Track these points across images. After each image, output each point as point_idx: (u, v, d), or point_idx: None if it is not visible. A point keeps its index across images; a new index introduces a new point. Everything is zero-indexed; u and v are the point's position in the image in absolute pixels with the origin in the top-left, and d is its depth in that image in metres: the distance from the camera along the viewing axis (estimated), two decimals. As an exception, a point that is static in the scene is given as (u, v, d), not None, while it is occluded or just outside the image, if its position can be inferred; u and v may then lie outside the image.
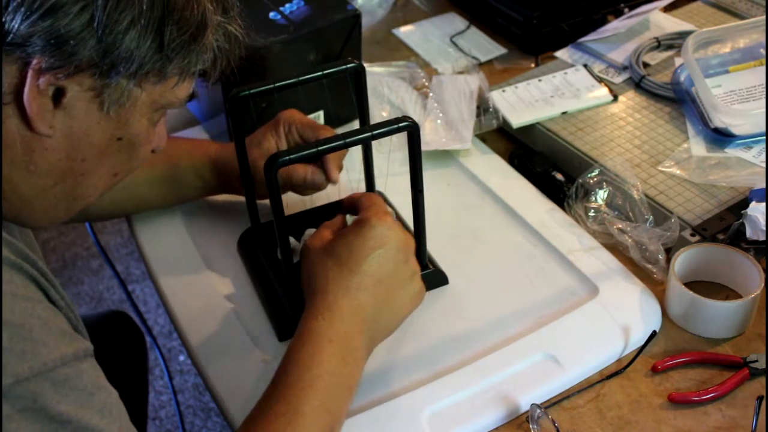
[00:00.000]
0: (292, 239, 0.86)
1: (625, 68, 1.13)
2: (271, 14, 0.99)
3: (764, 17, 1.09)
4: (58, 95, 0.56)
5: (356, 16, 1.00)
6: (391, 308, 0.73)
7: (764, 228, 0.82)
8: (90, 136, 0.59)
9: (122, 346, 1.15)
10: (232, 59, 0.64)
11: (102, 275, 2.18)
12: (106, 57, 0.55)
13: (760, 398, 0.72)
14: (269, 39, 0.95)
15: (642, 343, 0.79)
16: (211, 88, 1.00)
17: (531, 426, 0.72)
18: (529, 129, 1.05)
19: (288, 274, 0.78)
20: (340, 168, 0.89)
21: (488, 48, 1.27)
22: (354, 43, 1.02)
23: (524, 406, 0.74)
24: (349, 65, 0.83)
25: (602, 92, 1.08)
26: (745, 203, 0.87)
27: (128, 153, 0.63)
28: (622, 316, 0.81)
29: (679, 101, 1.05)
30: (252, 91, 0.80)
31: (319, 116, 1.04)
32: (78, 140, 0.59)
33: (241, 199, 0.90)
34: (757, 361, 0.77)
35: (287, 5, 1.00)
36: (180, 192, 0.92)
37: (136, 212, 0.96)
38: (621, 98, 1.08)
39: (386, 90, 1.12)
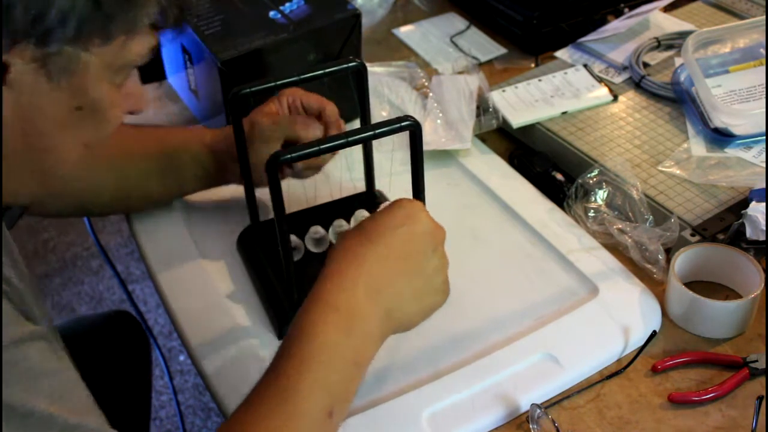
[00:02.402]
0: (292, 237, 0.86)
1: (625, 68, 1.13)
2: (271, 13, 0.99)
3: (764, 17, 1.09)
4: (1, 72, 0.53)
5: (356, 16, 1.00)
6: (412, 291, 0.68)
7: (764, 228, 0.82)
8: (44, 110, 0.56)
9: (126, 345, 1.15)
10: (184, 7, 0.60)
11: (102, 275, 2.18)
12: (38, 23, 0.52)
13: (760, 398, 0.72)
14: (269, 38, 0.95)
15: (642, 343, 0.79)
16: (212, 87, 1.00)
17: (531, 426, 0.72)
18: (529, 129, 1.05)
19: (288, 273, 0.78)
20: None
21: (488, 48, 1.27)
22: (354, 43, 1.02)
23: (524, 406, 0.74)
24: (350, 64, 0.83)
25: (602, 92, 1.08)
26: (745, 203, 0.87)
27: (94, 120, 0.60)
28: (622, 316, 0.81)
29: (679, 101, 1.05)
30: (253, 89, 0.80)
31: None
32: (32, 115, 0.56)
33: (241, 197, 0.90)
34: (757, 361, 0.77)
35: (287, 4, 1.00)
36: (179, 182, 0.92)
37: (138, 207, 0.95)
38: (621, 98, 1.08)
39: (386, 90, 1.12)
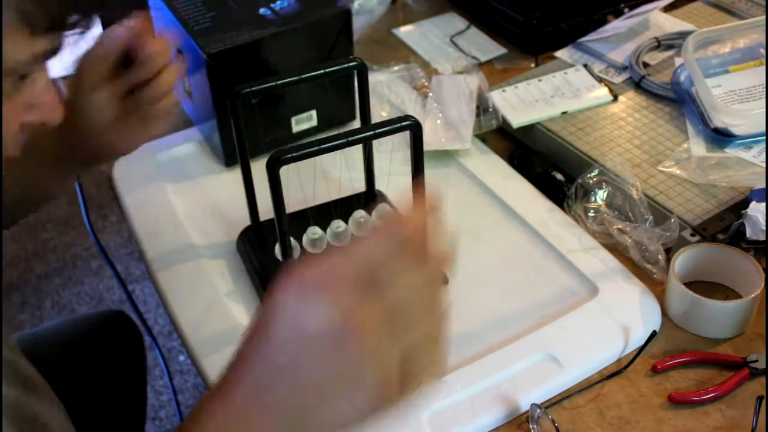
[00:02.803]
0: (292, 238, 0.86)
1: (625, 68, 1.13)
2: (262, 10, 0.99)
3: (764, 17, 1.09)
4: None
5: (346, 12, 1.00)
6: (318, 403, 0.47)
7: (764, 228, 0.82)
8: None
9: (120, 345, 1.15)
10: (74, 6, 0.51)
11: (102, 275, 2.18)
12: None
13: (760, 398, 0.72)
14: (257, 32, 0.95)
15: (642, 343, 0.79)
16: (204, 87, 0.99)
17: (531, 426, 0.72)
18: (529, 129, 1.05)
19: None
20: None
21: (488, 48, 1.27)
22: (344, 39, 1.02)
23: (524, 406, 0.74)
24: (351, 63, 0.83)
25: (602, 92, 1.08)
26: (745, 203, 0.87)
27: None
28: (622, 316, 0.81)
29: (679, 101, 1.05)
30: (254, 88, 0.80)
31: (311, 115, 1.04)
32: None
33: (242, 197, 0.90)
34: (757, 361, 0.77)
35: (278, 2, 1.00)
36: (38, 166, 0.78)
37: (44, 200, 0.87)
38: (621, 98, 1.08)
39: (386, 90, 1.12)
